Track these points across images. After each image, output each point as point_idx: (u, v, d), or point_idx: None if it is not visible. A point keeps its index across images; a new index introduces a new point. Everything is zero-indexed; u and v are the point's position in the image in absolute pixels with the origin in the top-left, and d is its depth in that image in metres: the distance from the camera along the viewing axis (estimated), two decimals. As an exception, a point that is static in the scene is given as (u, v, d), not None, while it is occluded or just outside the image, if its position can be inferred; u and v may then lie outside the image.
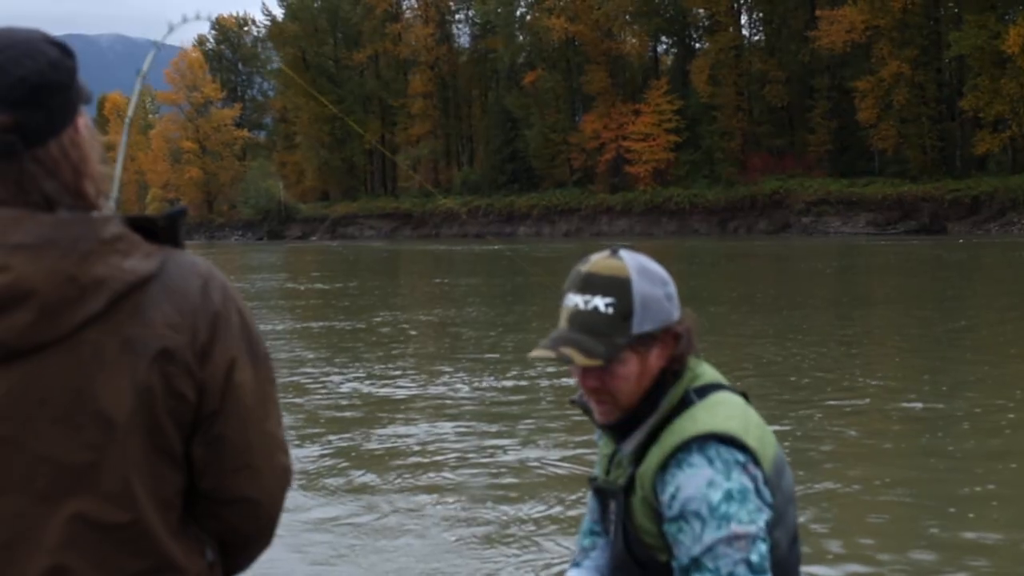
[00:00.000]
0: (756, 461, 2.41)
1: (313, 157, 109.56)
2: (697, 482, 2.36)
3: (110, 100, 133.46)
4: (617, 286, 2.46)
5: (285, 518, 6.02)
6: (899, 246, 51.61)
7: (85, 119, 1.89)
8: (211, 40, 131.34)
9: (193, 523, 1.93)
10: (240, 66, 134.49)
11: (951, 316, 21.62)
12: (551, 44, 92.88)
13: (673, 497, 2.38)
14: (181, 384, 1.81)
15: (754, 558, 2.31)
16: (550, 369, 14.32)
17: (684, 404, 2.52)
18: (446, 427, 11.40)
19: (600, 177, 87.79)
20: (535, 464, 9.71)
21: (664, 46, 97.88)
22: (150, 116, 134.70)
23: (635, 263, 2.51)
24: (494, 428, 11.30)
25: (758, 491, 2.38)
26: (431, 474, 9.37)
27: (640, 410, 2.53)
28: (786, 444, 9.41)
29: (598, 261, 2.52)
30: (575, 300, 2.50)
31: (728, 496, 2.33)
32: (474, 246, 69.35)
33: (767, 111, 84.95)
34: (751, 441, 2.42)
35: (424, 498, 8.63)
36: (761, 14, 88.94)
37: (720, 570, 2.30)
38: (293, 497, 7.90)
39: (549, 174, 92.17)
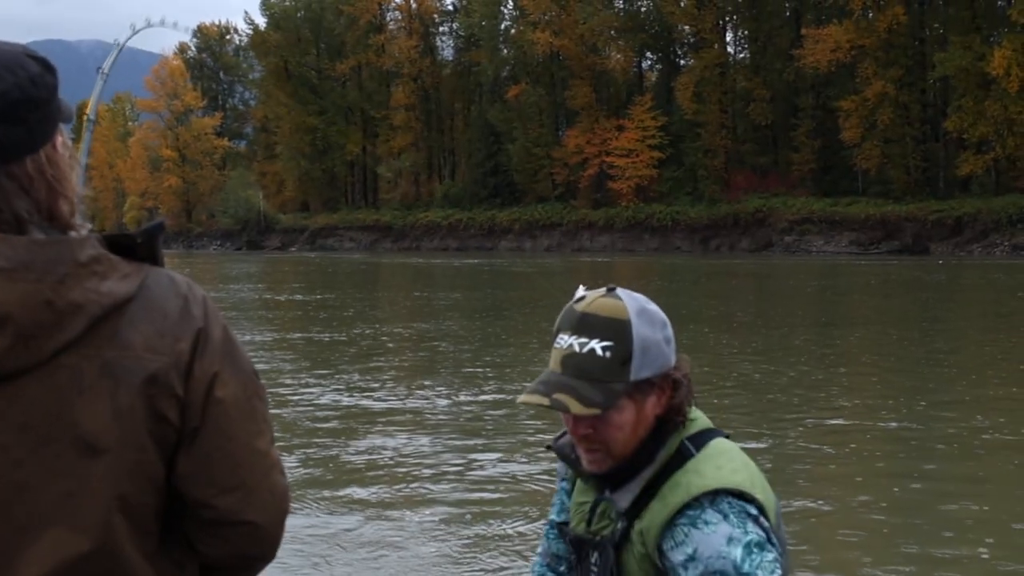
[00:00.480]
0: (764, 512, 2.32)
1: (294, 167, 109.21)
2: (716, 541, 2.23)
3: (87, 106, 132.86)
4: (616, 329, 2.31)
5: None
6: (880, 266, 51.68)
7: (63, 137, 1.83)
8: (192, 48, 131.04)
9: (176, 547, 1.88)
10: (222, 75, 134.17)
11: (930, 337, 21.61)
12: (535, 58, 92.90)
13: (691, 559, 2.25)
14: (164, 406, 1.77)
15: None
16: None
17: (681, 455, 2.39)
18: (424, 440, 11.39)
19: (582, 192, 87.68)
20: (512, 478, 9.68)
21: (649, 62, 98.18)
22: (130, 124, 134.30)
23: (634, 304, 2.36)
24: (472, 442, 11.31)
25: (770, 541, 2.27)
26: (410, 486, 9.39)
27: (634, 460, 2.39)
28: (764, 461, 9.82)
29: (595, 300, 2.36)
30: (569, 341, 2.34)
31: (748, 550, 2.21)
32: (453, 260, 69.06)
33: (751, 129, 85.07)
34: (758, 493, 2.32)
35: (402, 510, 8.64)
36: (746, 32, 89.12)
37: None
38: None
39: (531, 189, 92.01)
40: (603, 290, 2.40)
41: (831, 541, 7.88)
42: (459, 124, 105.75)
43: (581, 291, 2.43)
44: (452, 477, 9.72)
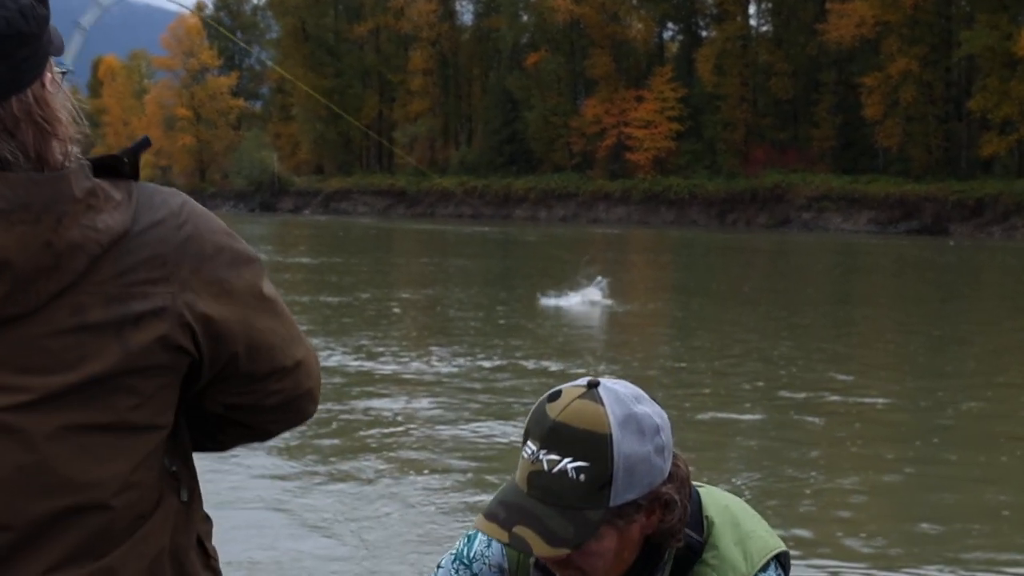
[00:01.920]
0: (785, 558, 2.11)
1: (309, 130, 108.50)
2: None
3: (105, 63, 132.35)
4: (593, 445, 1.87)
5: (270, 485, 8.26)
6: (895, 246, 51.29)
7: (53, 74, 1.73)
8: (210, 6, 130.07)
9: (178, 454, 1.86)
10: (239, 34, 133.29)
11: (942, 321, 21.81)
12: (555, 25, 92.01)
13: None
14: (176, 335, 1.72)
15: None
16: (534, 349, 15.32)
17: (690, 548, 2.03)
18: (432, 401, 11.65)
19: (599, 163, 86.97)
20: (516, 439, 9.48)
21: (670, 32, 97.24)
22: (145, 81, 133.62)
23: (619, 410, 1.90)
24: (477, 405, 11.56)
25: None
26: (414, 447, 9.63)
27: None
28: (760, 436, 10.53)
29: (571, 404, 1.90)
30: (538, 455, 1.91)
31: None
32: (464, 227, 68.72)
33: (772, 103, 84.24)
34: (774, 538, 2.10)
35: (407, 470, 8.86)
36: (770, 5, 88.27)
37: None
38: (278, 465, 8.92)
39: (548, 158, 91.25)
40: (583, 386, 1.93)
41: (825, 515, 8.02)
42: (476, 90, 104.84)
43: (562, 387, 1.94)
44: (457, 438, 9.88)
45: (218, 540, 1.93)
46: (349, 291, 24.53)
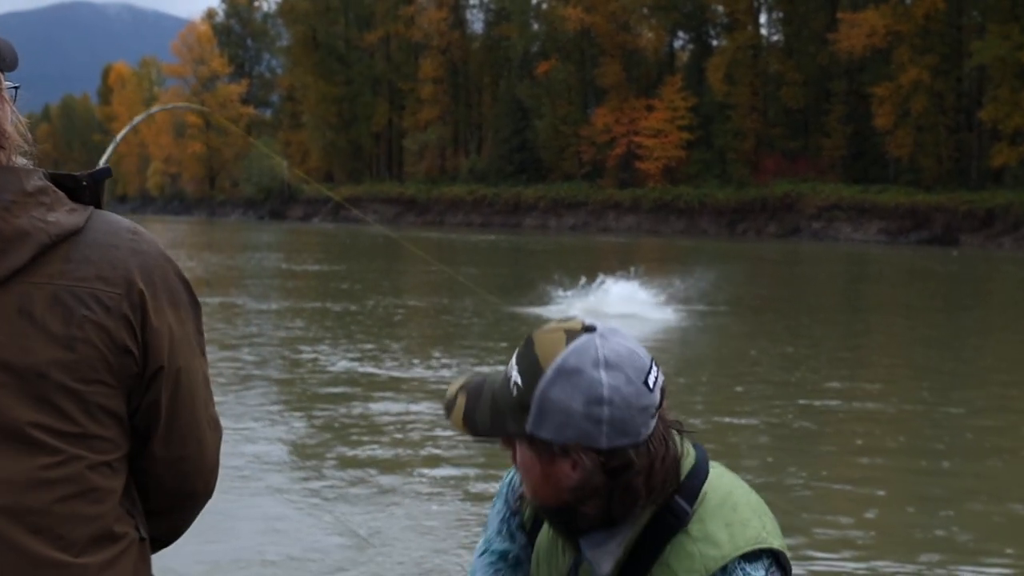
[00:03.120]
0: (784, 563, 2.05)
1: (319, 137, 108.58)
2: None
3: (115, 70, 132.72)
4: (531, 373, 1.96)
5: (278, 481, 8.44)
6: (909, 256, 51.23)
7: (3, 88, 1.78)
8: (221, 14, 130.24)
9: (128, 494, 1.86)
10: (249, 41, 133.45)
11: (948, 330, 21.87)
12: (566, 34, 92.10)
13: None
14: (123, 337, 1.74)
15: None
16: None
17: (675, 514, 2.03)
18: (429, 405, 11.72)
19: (609, 172, 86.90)
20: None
21: (681, 42, 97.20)
22: (155, 88, 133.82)
23: (570, 362, 1.93)
24: None
25: None
26: (418, 448, 9.79)
27: (566, 514, 2.04)
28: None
29: (549, 333, 2.00)
30: (513, 357, 2.04)
31: None
32: (471, 235, 68.92)
33: (782, 113, 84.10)
34: (775, 541, 2.04)
35: (411, 468, 9.10)
36: (781, 14, 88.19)
37: None
38: (283, 468, 9.11)
39: (558, 166, 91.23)
40: (580, 326, 1.98)
41: (827, 515, 8.08)
42: (487, 99, 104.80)
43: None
44: (457, 439, 9.93)
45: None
46: (358, 298, 24.64)
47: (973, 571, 6.88)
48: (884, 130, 73.74)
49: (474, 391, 2.06)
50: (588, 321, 1.99)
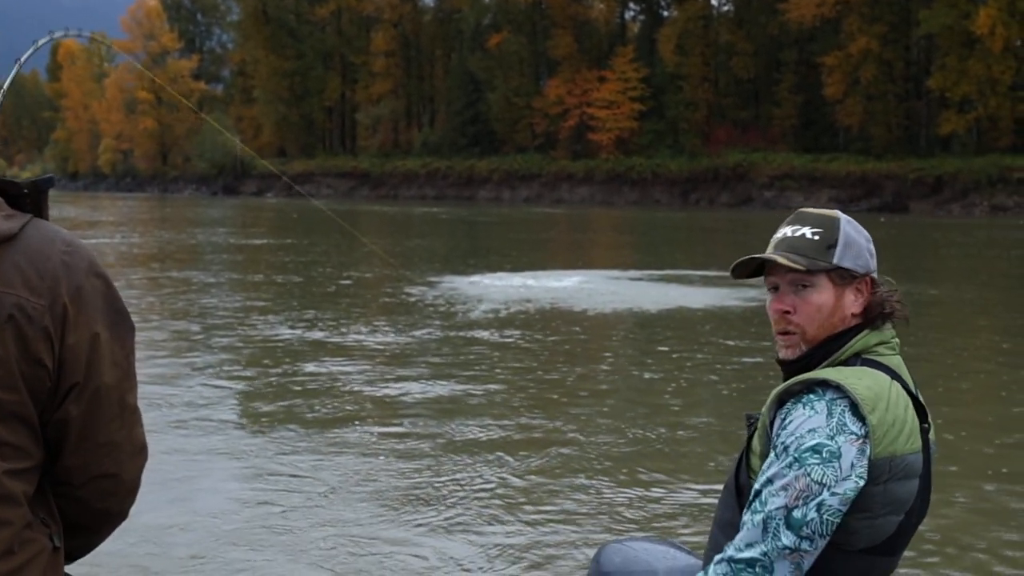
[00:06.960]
0: (869, 438, 2.37)
1: (271, 112, 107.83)
2: (804, 423, 2.39)
3: (64, 46, 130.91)
4: (826, 222, 2.63)
5: (227, 442, 8.46)
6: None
7: None
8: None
9: (44, 503, 1.84)
10: (199, 16, 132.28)
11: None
12: (517, 6, 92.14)
13: (782, 426, 2.43)
14: (39, 349, 1.72)
15: (797, 514, 2.32)
16: (497, 324, 15.22)
17: (845, 362, 2.55)
18: (406, 377, 11.56)
19: (562, 143, 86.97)
20: (490, 400, 10.09)
21: (632, 12, 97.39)
22: (105, 65, 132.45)
23: (845, 215, 2.68)
24: (445, 380, 11.51)
25: (852, 465, 2.34)
26: (386, 420, 9.62)
27: (822, 351, 2.57)
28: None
29: (812, 208, 2.70)
30: (784, 231, 2.67)
31: (817, 450, 2.35)
32: (423, 208, 68.74)
33: (733, 83, 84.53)
34: (874, 418, 2.38)
35: (357, 424, 9.30)
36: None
37: (764, 506, 2.36)
38: (248, 438, 8.88)
39: (511, 138, 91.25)
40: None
41: None
42: (439, 72, 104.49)
43: None
44: (397, 396, 10.29)
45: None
46: (306, 270, 24.76)
47: None
48: (834, 99, 74.26)
49: (775, 253, 2.60)
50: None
